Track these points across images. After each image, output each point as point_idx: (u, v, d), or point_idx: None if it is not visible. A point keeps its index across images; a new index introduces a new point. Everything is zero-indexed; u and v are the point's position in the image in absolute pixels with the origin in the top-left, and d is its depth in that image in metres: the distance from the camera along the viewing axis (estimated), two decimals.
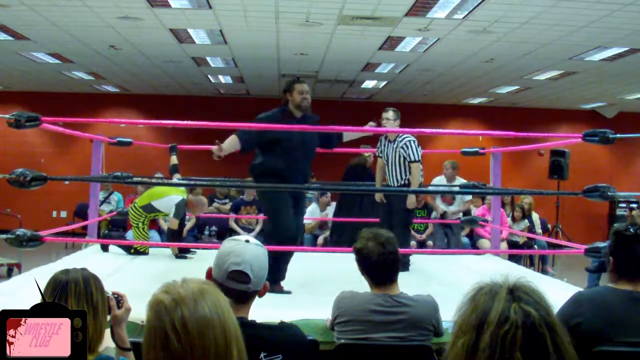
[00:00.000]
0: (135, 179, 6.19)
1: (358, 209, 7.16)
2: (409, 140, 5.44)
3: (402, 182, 5.49)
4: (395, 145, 5.46)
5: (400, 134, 5.47)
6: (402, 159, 5.44)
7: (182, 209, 5.97)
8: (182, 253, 5.82)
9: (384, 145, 5.60)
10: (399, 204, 5.46)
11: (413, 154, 5.39)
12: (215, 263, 2.10)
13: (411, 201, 5.45)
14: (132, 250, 5.79)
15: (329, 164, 12.93)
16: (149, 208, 6.01)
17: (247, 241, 2.13)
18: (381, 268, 2.82)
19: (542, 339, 1.29)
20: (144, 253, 5.83)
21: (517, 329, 1.29)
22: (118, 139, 6.07)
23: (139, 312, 2.82)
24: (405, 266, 5.26)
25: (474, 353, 1.31)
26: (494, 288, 1.37)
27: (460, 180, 7.92)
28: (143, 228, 6.06)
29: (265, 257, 2.14)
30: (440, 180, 8.48)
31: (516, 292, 1.35)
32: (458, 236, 8.74)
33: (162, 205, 6.00)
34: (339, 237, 8.02)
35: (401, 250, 3.02)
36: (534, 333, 1.29)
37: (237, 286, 2.05)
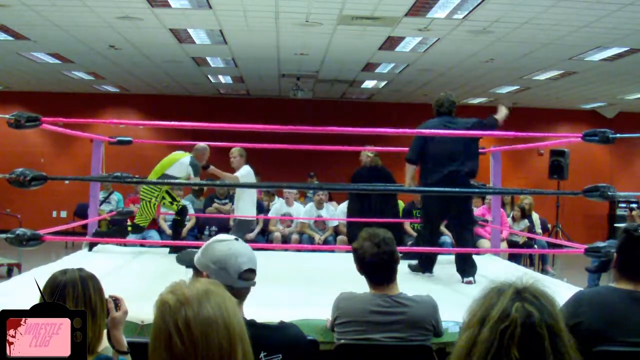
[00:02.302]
0: (135, 179, 6.19)
1: (368, 209, 6.99)
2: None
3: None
4: None
5: None
6: None
7: (197, 166, 6.08)
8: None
9: None
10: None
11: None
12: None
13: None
14: (130, 228, 5.81)
15: (329, 163, 12.96)
16: (164, 179, 6.00)
17: (237, 239, 2.17)
18: (376, 268, 2.83)
19: (541, 339, 1.31)
20: (142, 228, 5.85)
21: (516, 326, 1.32)
22: (118, 139, 6.07)
23: (139, 312, 2.83)
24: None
25: (474, 346, 1.34)
26: (503, 287, 1.41)
27: None
28: (154, 205, 6.01)
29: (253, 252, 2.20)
30: None
31: (523, 293, 1.38)
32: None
33: (176, 171, 6.00)
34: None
35: (401, 249, 3.01)
36: (533, 333, 1.31)
37: (248, 284, 2.10)
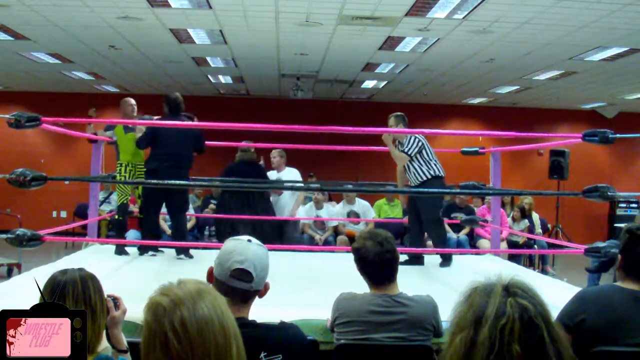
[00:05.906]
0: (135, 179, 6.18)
1: (247, 207, 6.92)
2: (407, 138, 5.66)
3: (421, 180, 5.62)
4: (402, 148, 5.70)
5: (407, 138, 5.68)
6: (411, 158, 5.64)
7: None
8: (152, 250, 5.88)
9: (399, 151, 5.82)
10: (422, 204, 5.68)
11: (406, 145, 5.64)
12: (217, 262, 2.10)
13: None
14: (117, 217, 5.91)
15: (329, 163, 12.96)
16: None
17: (250, 241, 2.14)
18: (379, 267, 2.82)
19: (539, 331, 1.34)
20: (126, 205, 6.00)
21: (515, 321, 1.33)
22: None
23: (139, 312, 2.83)
24: (420, 260, 5.60)
25: (472, 347, 1.34)
26: (488, 286, 1.42)
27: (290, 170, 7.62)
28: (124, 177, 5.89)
29: (267, 258, 2.15)
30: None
31: (511, 289, 1.40)
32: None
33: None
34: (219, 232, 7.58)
35: (400, 249, 3.01)
36: (531, 325, 1.34)
37: (240, 285, 2.06)
